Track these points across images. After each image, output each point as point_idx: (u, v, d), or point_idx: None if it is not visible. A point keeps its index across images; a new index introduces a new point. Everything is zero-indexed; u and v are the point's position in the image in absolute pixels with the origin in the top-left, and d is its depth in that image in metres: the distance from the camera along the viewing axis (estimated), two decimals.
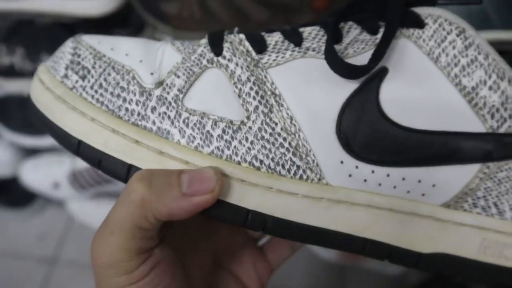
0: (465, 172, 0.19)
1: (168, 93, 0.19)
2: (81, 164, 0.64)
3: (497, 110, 0.19)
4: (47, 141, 0.61)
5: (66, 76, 0.20)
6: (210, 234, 0.24)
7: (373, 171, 0.19)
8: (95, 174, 0.64)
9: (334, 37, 0.20)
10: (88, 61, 0.20)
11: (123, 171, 0.18)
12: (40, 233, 0.81)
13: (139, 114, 0.19)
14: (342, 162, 0.19)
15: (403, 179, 0.19)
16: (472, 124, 0.19)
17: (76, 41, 0.21)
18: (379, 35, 0.20)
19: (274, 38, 0.20)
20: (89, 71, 0.20)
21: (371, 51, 0.19)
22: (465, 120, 0.19)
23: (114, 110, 0.19)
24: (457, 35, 0.19)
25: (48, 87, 0.20)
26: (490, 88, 0.19)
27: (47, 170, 0.64)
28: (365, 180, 0.19)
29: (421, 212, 0.19)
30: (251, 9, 0.43)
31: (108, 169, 0.19)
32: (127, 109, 0.19)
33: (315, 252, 0.66)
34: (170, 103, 0.19)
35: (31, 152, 0.68)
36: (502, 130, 0.19)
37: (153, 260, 0.18)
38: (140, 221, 0.17)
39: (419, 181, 0.19)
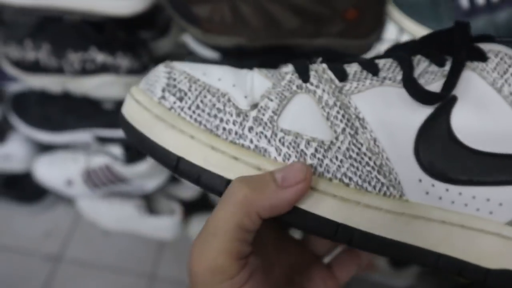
0: None
1: (263, 114, 0.21)
2: (95, 162, 0.64)
3: None
4: (64, 138, 0.60)
5: (163, 97, 0.22)
6: (282, 251, 0.25)
7: (447, 190, 0.21)
8: (109, 173, 0.64)
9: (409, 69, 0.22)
10: (184, 84, 0.22)
11: (222, 186, 0.20)
12: (46, 230, 0.80)
13: (236, 133, 0.21)
14: (420, 181, 0.21)
15: (473, 197, 0.21)
16: None
17: (169, 66, 0.23)
18: (447, 67, 0.22)
19: (353, 68, 0.22)
20: (185, 93, 0.22)
21: (440, 82, 0.21)
22: None
23: (212, 129, 0.21)
24: None
25: (146, 107, 0.21)
26: None
27: (61, 167, 0.64)
28: (440, 198, 0.21)
29: (489, 229, 0.21)
30: (283, 16, 0.44)
31: (207, 184, 0.20)
32: (224, 129, 0.21)
33: None
34: (266, 123, 0.21)
35: (45, 148, 0.68)
36: None
37: (251, 267, 0.19)
38: (243, 220, 0.18)
39: (488, 200, 0.21)
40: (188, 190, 0.71)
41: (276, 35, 0.44)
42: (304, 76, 0.22)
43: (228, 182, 0.20)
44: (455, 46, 0.21)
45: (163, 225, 0.69)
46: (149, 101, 0.22)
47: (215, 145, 0.20)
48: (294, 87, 0.22)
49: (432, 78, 0.21)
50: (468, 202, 0.21)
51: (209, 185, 0.20)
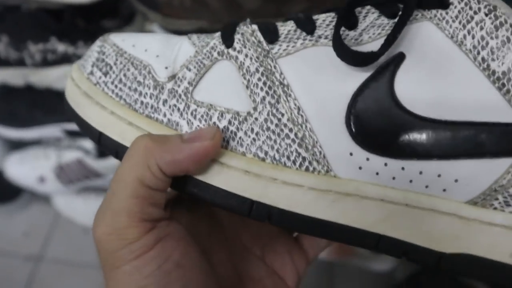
0: (494, 166, 0.17)
1: (179, 86, 0.20)
2: (67, 157, 0.62)
3: None
4: (33, 133, 0.59)
5: (91, 72, 0.22)
6: (239, 223, 0.23)
7: (386, 164, 0.18)
8: (82, 167, 0.63)
9: (348, 22, 0.19)
10: (111, 58, 0.21)
11: None
12: (25, 230, 0.79)
13: (152, 106, 0.20)
14: (351, 154, 0.18)
15: (420, 173, 0.18)
16: (503, 113, 0.17)
17: (103, 39, 0.23)
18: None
19: (287, 28, 0.20)
20: (111, 67, 0.21)
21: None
22: (494, 110, 0.17)
23: (131, 104, 0.20)
24: (486, 14, 0.17)
25: (77, 84, 0.22)
26: None
27: (32, 164, 0.63)
28: (377, 173, 0.18)
29: (442, 208, 0.18)
30: None
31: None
32: (142, 102, 0.20)
33: None
34: (180, 95, 0.20)
35: (16, 146, 0.67)
36: None
37: (158, 232, 0.17)
38: (144, 174, 0.16)
39: (439, 176, 0.18)
40: None
41: (237, 16, 0.43)
42: (227, 41, 0.20)
43: None
44: None
45: None
46: (80, 77, 0.22)
47: (131, 120, 0.20)
48: (215, 54, 0.20)
49: (378, 33, 0.18)
50: (413, 178, 0.18)
51: None
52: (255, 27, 0.20)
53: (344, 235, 0.18)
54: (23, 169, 0.63)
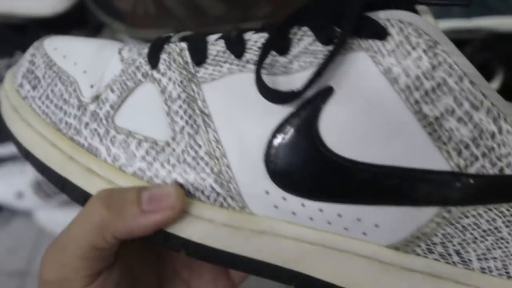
0: (417, 214, 0.16)
1: (101, 108, 0.19)
2: None
3: (466, 146, 0.15)
4: (6, 149, 0.58)
5: (21, 85, 0.20)
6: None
7: (303, 205, 0.17)
8: None
9: (279, 46, 0.17)
10: (40, 70, 0.20)
11: (59, 184, 0.19)
12: (8, 247, 0.78)
13: (75, 128, 0.19)
14: (267, 193, 0.17)
15: (339, 215, 0.17)
16: (432, 160, 0.15)
17: (35, 47, 0.21)
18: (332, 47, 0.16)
19: (216, 48, 0.18)
20: (39, 81, 0.20)
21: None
22: (423, 156, 0.15)
23: (56, 123, 0.19)
24: (425, 51, 0.15)
25: (7, 95, 0.21)
26: (460, 119, 0.15)
27: (8, 180, 0.62)
28: (293, 213, 0.17)
29: (362, 251, 0.17)
30: (207, 3, 0.42)
31: (49, 180, 0.19)
32: (66, 122, 0.19)
33: None
34: (101, 119, 0.19)
35: None
36: (471, 170, 0.15)
37: (102, 280, 0.17)
38: (97, 241, 0.16)
39: (358, 220, 0.17)
40: None
41: (203, 23, 0.42)
42: (153, 60, 0.18)
43: (64, 182, 0.18)
44: (345, 15, 0.16)
45: None
46: (11, 89, 0.21)
47: (55, 142, 0.19)
48: (139, 75, 0.19)
49: (309, 62, 0.16)
50: (332, 221, 0.17)
51: (51, 182, 0.19)
52: (183, 45, 0.19)
53: (261, 270, 0.18)
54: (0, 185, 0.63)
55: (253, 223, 0.17)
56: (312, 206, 0.17)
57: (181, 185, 0.18)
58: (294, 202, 0.17)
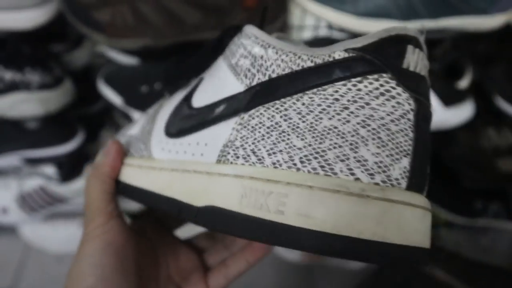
0: (225, 127, 0.21)
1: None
2: (29, 185, 0.61)
3: (248, 70, 0.22)
4: None
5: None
6: (168, 252, 0.29)
7: (174, 143, 0.24)
8: (45, 194, 0.61)
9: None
10: None
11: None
12: None
13: None
14: (160, 141, 0.26)
15: (189, 144, 0.23)
16: (235, 88, 0.22)
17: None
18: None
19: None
20: None
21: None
22: (230, 87, 0.22)
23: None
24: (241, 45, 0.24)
25: None
26: (245, 57, 0.22)
27: None
28: (169, 151, 0.25)
29: (200, 169, 0.22)
30: (184, 12, 0.43)
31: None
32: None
33: (282, 255, 0.66)
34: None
35: None
36: (254, 83, 0.21)
37: (112, 222, 0.25)
38: (103, 186, 0.26)
39: (197, 143, 0.23)
40: (133, 203, 0.69)
41: (180, 31, 0.44)
42: None
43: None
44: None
45: None
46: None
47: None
48: None
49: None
50: (186, 150, 0.23)
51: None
52: None
53: (150, 199, 0.24)
54: None
55: (151, 162, 0.25)
56: (176, 142, 0.24)
57: (121, 145, 0.28)
58: (169, 142, 0.25)
